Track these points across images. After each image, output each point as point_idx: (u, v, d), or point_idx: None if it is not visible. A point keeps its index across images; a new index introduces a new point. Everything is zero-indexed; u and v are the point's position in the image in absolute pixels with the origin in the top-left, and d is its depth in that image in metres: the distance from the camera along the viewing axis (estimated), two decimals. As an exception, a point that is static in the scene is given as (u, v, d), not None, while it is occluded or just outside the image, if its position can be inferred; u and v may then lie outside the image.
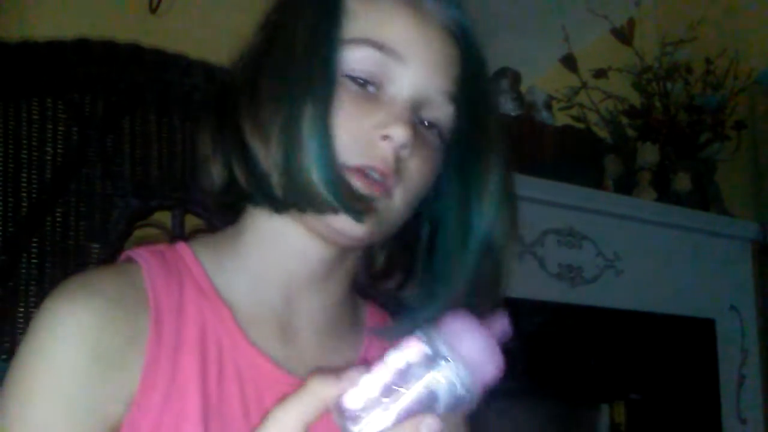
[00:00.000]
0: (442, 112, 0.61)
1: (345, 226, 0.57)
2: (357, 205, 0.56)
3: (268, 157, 0.57)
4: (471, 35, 0.64)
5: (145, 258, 0.61)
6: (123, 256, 0.64)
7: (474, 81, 0.63)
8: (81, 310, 0.55)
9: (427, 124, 0.61)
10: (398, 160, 0.58)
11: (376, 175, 0.57)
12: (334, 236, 0.59)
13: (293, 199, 0.57)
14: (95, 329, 0.55)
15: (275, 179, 0.57)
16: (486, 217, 0.62)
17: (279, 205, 0.59)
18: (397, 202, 0.59)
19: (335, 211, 0.56)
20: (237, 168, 0.60)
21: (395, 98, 0.59)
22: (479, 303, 0.63)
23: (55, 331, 0.55)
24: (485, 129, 0.64)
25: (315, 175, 0.54)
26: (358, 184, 0.56)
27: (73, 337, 0.55)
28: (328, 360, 0.65)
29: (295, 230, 0.61)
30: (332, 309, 0.66)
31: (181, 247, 0.64)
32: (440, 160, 0.63)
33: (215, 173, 0.62)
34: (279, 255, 0.62)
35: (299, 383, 0.62)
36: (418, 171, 0.60)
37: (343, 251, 0.63)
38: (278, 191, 0.57)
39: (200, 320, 0.59)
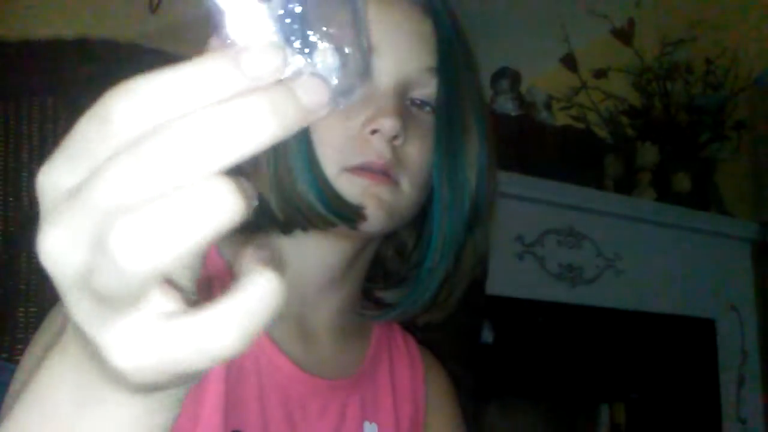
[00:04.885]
0: (430, 88, 0.61)
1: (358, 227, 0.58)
2: (351, 215, 0.57)
3: (262, 182, 0.57)
4: (438, 2, 0.63)
5: None
6: None
7: (451, 46, 0.63)
8: None
9: (419, 103, 0.61)
10: (395, 149, 0.58)
11: (377, 170, 0.57)
12: (352, 232, 0.59)
13: (294, 220, 0.58)
14: None
15: (274, 203, 0.57)
16: (473, 183, 0.62)
17: (284, 228, 0.60)
18: (406, 189, 0.59)
19: (333, 224, 0.57)
20: None
21: (378, 90, 0.58)
22: (467, 266, 0.63)
23: None
24: (466, 93, 0.63)
25: (309, 196, 0.55)
26: (365, 182, 0.57)
27: None
28: (342, 359, 0.65)
29: (311, 239, 0.61)
30: (345, 311, 0.67)
31: None
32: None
33: None
34: (296, 263, 0.62)
35: (317, 381, 0.62)
36: (418, 154, 0.60)
37: (363, 244, 0.63)
38: (279, 214, 0.58)
39: None
